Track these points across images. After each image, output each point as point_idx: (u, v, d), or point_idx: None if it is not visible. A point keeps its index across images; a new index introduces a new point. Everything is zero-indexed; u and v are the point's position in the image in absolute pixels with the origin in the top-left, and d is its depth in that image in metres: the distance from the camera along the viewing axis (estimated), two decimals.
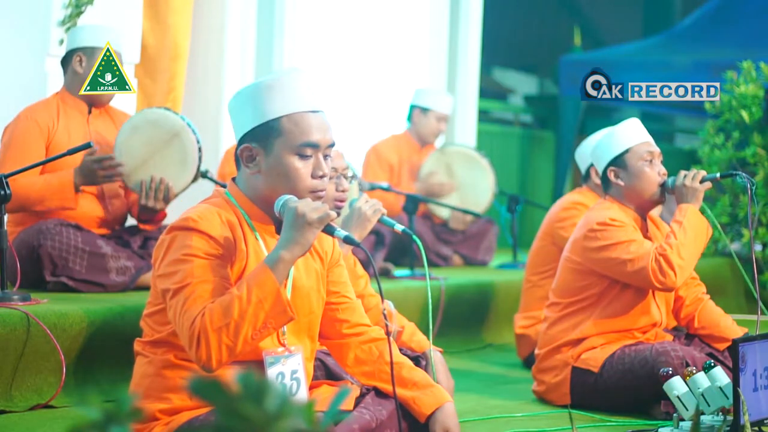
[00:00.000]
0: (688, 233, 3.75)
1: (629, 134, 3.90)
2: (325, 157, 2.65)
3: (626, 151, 3.89)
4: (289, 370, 2.64)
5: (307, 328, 2.73)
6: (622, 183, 3.90)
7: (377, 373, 2.79)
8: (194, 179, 4.39)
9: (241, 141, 2.65)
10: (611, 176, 3.91)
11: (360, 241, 3.35)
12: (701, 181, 3.84)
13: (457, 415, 2.76)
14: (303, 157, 2.61)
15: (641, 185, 3.87)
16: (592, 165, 4.73)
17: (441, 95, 6.86)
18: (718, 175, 3.92)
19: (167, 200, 4.32)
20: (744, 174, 3.82)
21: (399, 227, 3.15)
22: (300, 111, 2.62)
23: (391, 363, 2.65)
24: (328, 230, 2.56)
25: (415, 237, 2.96)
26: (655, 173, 3.87)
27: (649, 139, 3.92)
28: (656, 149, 3.91)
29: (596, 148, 3.98)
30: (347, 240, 2.58)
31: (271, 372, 2.61)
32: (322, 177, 2.63)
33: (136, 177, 4.32)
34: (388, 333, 2.64)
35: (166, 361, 2.60)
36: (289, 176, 2.60)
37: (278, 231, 2.69)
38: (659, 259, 3.71)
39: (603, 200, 3.99)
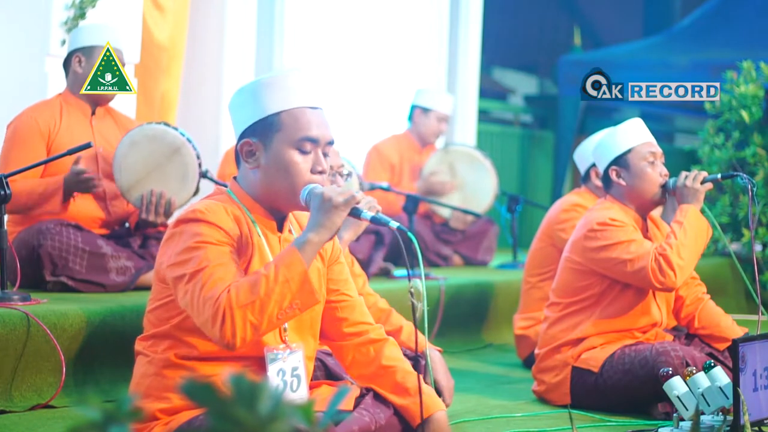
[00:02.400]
0: (688, 234, 3.75)
1: (632, 134, 3.91)
2: (325, 155, 2.66)
3: (628, 151, 3.89)
4: (290, 367, 2.64)
5: (309, 326, 2.73)
6: (623, 183, 3.90)
7: (373, 377, 2.79)
8: (195, 193, 4.39)
9: (241, 137, 2.66)
10: (613, 175, 3.91)
11: (355, 240, 3.36)
12: (702, 182, 3.84)
13: (448, 423, 2.76)
14: (302, 152, 2.62)
15: (642, 185, 3.87)
16: (592, 166, 4.73)
17: (442, 95, 6.86)
18: (719, 175, 3.91)
19: (168, 215, 4.32)
20: (745, 175, 3.82)
21: (393, 224, 3.15)
22: (299, 107, 2.63)
23: (418, 352, 2.64)
24: (355, 213, 2.58)
25: (410, 234, 2.96)
26: (656, 174, 3.87)
27: (652, 139, 3.93)
28: (658, 150, 3.91)
29: (598, 147, 3.98)
30: (375, 220, 2.61)
31: (272, 368, 2.61)
32: (321, 173, 2.64)
33: (136, 192, 4.30)
34: (414, 311, 2.65)
35: (167, 361, 2.60)
36: (289, 170, 2.61)
37: (280, 228, 2.70)
38: (659, 259, 3.71)
39: (603, 200, 3.99)
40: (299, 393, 2.67)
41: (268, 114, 2.62)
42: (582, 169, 4.86)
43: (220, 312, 2.42)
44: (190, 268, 2.49)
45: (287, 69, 2.71)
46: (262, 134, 2.63)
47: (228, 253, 2.53)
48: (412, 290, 2.59)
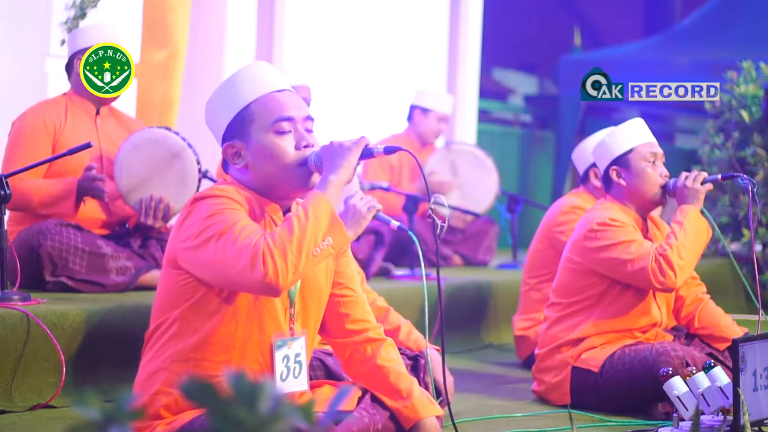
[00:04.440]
0: (688, 234, 3.75)
1: (633, 134, 3.91)
2: (308, 131, 2.67)
3: (629, 151, 3.89)
4: (294, 353, 2.67)
5: (314, 317, 2.75)
6: (623, 183, 3.90)
7: (367, 376, 2.80)
8: None
9: (223, 142, 2.68)
10: (613, 175, 3.91)
11: (355, 239, 3.36)
12: (702, 183, 3.84)
13: (439, 429, 2.76)
14: (281, 132, 2.63)
15: (643, 186, 3.87)
16: (590, 167, 4.73)
17: (442, 96, 6.85)
18: (719, 176, 3.91)
19: (167, 219, 4.32)
20: (744, 175, 3.81)
21: (394, 223, 3.16)
22: (265, 93, 2.65)
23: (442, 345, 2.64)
24: (367, 153, 2.64)
25: (411, 233, 2.97)
26: (656, 174, 3.87)
27: (653, 139, 3.93)
28: (659, 150, 3.91)
29: (599, 147, 3.98)
30: (387, 151, 2.68)
31: (279, 355, 2.63)
32: (306, 147, 2.64)
33: (136, 196, 4.30)
34: (434, 228, 2.67)
35: (173, 355, 2.60)
36: (273, 155, 2.62)
37: (285, 213, 2.69)
38: (659, 259, 3.71)
39: (603, 200, 3.99)
40: (300, 379, 2.68)
41: (238, 110, 2.64)
42: (581, 170, 4.85)
43: (260, 255, 2.42)
44: (216, 228, 2.49)
45: (244, 65, 2.74)
46: (240, 132, 2.64)
47: (250, 219, 2.55)
48: (432, 207, 2.66)
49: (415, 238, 2.92)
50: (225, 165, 2.70)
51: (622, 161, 3.90)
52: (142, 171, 4.30)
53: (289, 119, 2.63)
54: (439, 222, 2.68)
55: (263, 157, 2.62)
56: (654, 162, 3.88)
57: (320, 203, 2.50)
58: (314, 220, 2.47)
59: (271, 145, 2.61)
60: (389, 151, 2.69)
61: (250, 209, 2.60)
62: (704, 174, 3.85)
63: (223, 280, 2.53)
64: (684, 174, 3.85)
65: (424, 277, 2.90)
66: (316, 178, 2.63)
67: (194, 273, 2.57)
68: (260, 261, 2.42)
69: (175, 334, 2.60)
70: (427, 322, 2.80)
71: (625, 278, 3.81)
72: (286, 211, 2.70)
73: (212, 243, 2.48)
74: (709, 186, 3.85)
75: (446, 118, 6.76)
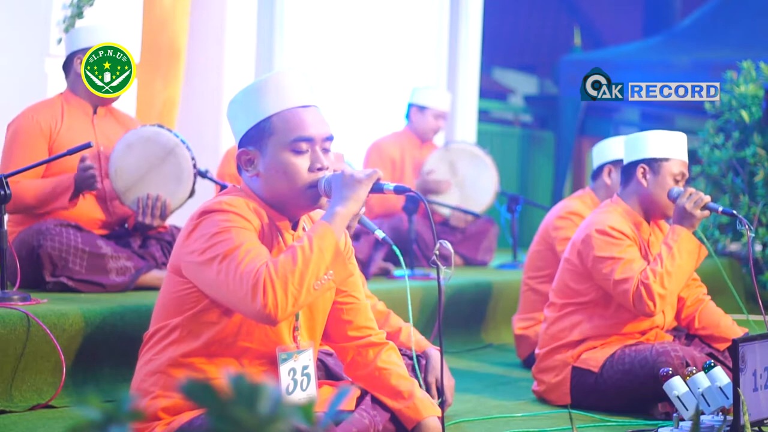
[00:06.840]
0: (676, 260, 3.71)
1: (675, 146, 3.87)
2: (325, 151, 2.65)
3: (665, 159, 3.86)
4: (300, 366, 2.66)
5: (320, 326, 2.74)
6: (645, 184, 3.87)
7: (368, 378, 2.80)
8: (190, 195, 4.39)
9: (239, 146, 2.66)
10: (639, 172, 3.88)
11: (355, 240, 3.37)
12: (702, 209, 3.80)
13: (440, 429, 2.76)
14: (298, 152, 2.60)
15: (660, 197, 3.85)
16: (607, 164, 4.71)
17: (438, 92, 6.82)
18: (719, 208, 3.82)
19: (164, 217, 4.32)
20: (743, 218, 3.78)
21: (379, 233, 3.15)
22: (289, 107, 2.62)
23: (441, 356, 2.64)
24: (377, 187, 2.60)
25: (394, 247, 3.01)
26: None
27: (686, 159, 3.91)
28: (687, 173, 3.90)
29: (636, 138, 3.92)
30: (397, 190, 2.64)
31: (284, 368, 2.62)
32: (320, 170, 2.62)
33: (132, 194, 4.30)
34: (439, 275, 2.66)
35: (172, 359, 2.60)
36: (287, 173, 2.60)
37: (294, 227, 2.69)
38: (640, 288, 3.69)
39: (609, 202, 3.97)
40: (309, 391, 2.68)
41: (259, 120, 2.61)
42: (596, 164, 4.81)
43: (260, 284, 2.40)
44: (222, 248, 2.47)
45: (275, 71, 2.70)
46: (257, 141, 2.62)
47: (257, 238, 2.54)
48: (437, 252, 2.64)
49: (398, 251, 2.95)
50: (239, 168, 2.70)
51: (654, 164, 3.86)
52: (137, 169, 4.30)
53: (308, 140, 2.61)
54: (443, 267, 2.68)
55: (276, 172, 2.60)
56: (679, 182, 3.87)
57: (326, 235, 2.48)
58: (318, 253, 2.46)
59: (285, 163, 2.60)
60: (399, 190, 2.64)
61: (260, 224, 2.58)
62: (707, 199, 3.79)
63: (223, 301, 2.53)
64: (688, 191, 3.79)
65: (407, 282, 2.91)
66: (324, 201, 2.62)
67: (197, 285, 2.57)
68: (261, 291, 2.40)
69: (175, 341, 2.60)
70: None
71: (609, 292, 3.81)
72: (295, 225, 2.70)
73: (216, 263, 2.47)
74: (707, 213, 3.82)
75: (444, 115, 6.74)
